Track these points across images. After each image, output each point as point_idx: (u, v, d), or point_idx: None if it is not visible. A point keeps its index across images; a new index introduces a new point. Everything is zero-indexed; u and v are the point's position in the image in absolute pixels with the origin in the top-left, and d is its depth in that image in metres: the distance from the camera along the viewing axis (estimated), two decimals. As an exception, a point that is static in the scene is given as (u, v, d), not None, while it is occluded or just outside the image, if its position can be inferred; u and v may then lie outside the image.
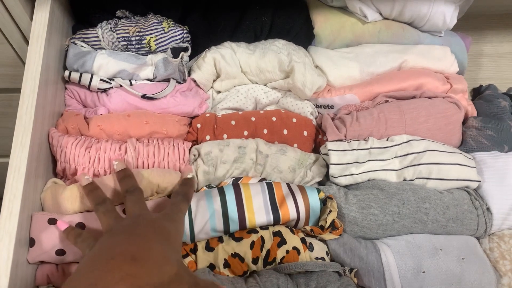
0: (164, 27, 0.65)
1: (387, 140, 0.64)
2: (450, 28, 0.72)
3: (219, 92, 0.72)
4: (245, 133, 0.66)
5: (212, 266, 0.57)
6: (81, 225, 0.55)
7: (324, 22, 0.71)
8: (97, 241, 0.46)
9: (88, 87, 0.65)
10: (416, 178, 0.62)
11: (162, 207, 0.57)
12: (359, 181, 0.62)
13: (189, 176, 0.58)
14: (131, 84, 0.66)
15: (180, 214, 0.51)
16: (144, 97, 0.64)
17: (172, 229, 0.46)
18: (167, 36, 0.66)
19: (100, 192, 0.53)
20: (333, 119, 0.67)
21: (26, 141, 0.54)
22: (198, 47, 0.70)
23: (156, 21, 0.65)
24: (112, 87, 0.65)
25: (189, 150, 0.64)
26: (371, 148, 0.62)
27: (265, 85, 0.72)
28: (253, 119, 0.67)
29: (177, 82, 0.68)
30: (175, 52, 0.66)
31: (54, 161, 0.62)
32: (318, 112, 0.71)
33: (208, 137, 0.65)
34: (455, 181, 0.61)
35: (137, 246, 0.40)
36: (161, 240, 0.42)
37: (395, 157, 0.62)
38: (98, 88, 0.65)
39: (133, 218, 0.47)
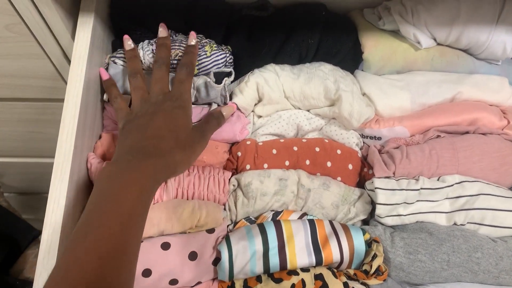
0: (207, 51, 0.63)
1: (438, 179, 0.60)
2: (510, 57, 0.68)
3: (260, 116, 0.69)
4: (287, 163, 0.64)
5: (249, 306, 0.55)
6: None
7: (374, 47, 0.67)
8: (125, 119, 0.57)
9: (128, 109, 0.63)
10: (467, 222, 0.58)
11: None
12: (407, 222, 0.59)
13: (192, 43, 0.62)
14: (171, 107, 0.64)
15: (186, 94, 0.58)
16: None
17: (180, 116, 0.56)
18: (209, 60, 0.63)
19: (136, 62, 0.61)
20: (380, 151, 0.64)
21: (66, 172, 0.53)
22: (241, 68, 0.67)
23: (199, 45, 0.63)
24: (152, 110, 0.63)
25: (229, 180, 0.62)
26: (421, 188, 0.59)
27: (308, 111, 0.69)
28: (295, 148, 0.64)
29: (218, 105, 0.65)
30: (218, 76, 0.63)
31: (91, 184, 0.61)
32: (364, 143, 0.67)
33: (248, 166, 0.63)
34: (510, 229, 0.58)
35: (155, 139, 0.52)
36: (171, 130, 0.54)
37: (446, 198, 0.59)
38: (138, 111, 0.63)
39: (152, 105, 0.56)
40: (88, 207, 0.46)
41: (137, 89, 0.59)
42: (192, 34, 0.63)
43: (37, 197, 1.38)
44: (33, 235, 1.13)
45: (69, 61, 0.69)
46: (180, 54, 0.63)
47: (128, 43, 0.63)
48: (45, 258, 0.50)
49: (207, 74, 0.65)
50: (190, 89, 0.60)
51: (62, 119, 0.55)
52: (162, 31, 0.63)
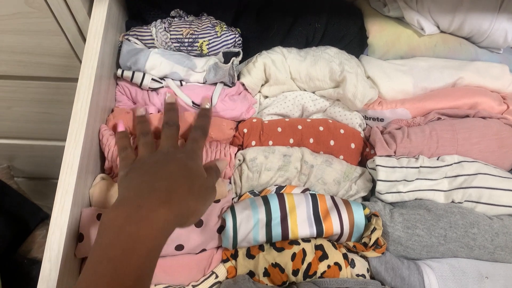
0: (217, 31, 0.65)
1: (437, 159, 0.62)
2: (511, 46, 0.70)
3: (266, 97, 0.71)
4: (291, 141, 0.66)
5: (251, 273, 0.57)
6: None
7: (379, 32, 0.69)
8: (129, 167, 0.54)
9: (140, 85, 0.66)
10: (465, 201, 0.60)
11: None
12: (406, 199, 0.61)
13: (206, 106, 0.63)
14: (181, 84, 0.66)
15: (199, 151, 0.57)
16: (194, 105, 0.64)
17: (194, 166, 0.53)
18: (219, 40, 0.66)
19: (147, 125, 0.61)
20: (382, 132, 0.66)
21: (79, 138, 0.56)
22: (249, 50, 0.70)
23: (209, 25, 0.65)
24: (163, 87, 0.66)
25: (235, 154, 0.64)
26: (421, 166, 0.61)
27: (314, 92, 0.71)
28: (299, 127, 0.66)
29: (226, 85, 0.67)
30: (227, 56, 0.66)
31: (103, 156, 0.64)
32: (367, 124, 0.69)
33: (253, 143, 0.65)
34: (506, 208, 0.59)
35: (168, 181, 0.49)
36: (186, 177, 0.50)
37: (445, 177, 0.61)
38: (149, 87, 0.65)
39: (163, 155, 0.54)
40: (94, 258, 0.42)
41: (147, 145, 0.57)
42: (206, 97, 0.64)
43: (46, 183, 1.41)
44: (42, 217, 1.15)
45: (84, 39, 0.72)
46: (191, 32, 0.65)
47: (140, 110, 0.63)
48: (58, 217, 0.52)
49: (216, 54, 0.67)
50: (203, 148, 0.59)
51: (77, 88, 0.58)
52: (170, 97, 0.63)
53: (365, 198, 0.65)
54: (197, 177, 0.52)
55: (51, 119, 1.00)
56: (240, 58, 0.67)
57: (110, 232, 0.43)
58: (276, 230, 0.57)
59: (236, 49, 0.67)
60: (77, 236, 0.55)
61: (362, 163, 0.67)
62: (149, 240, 0.43)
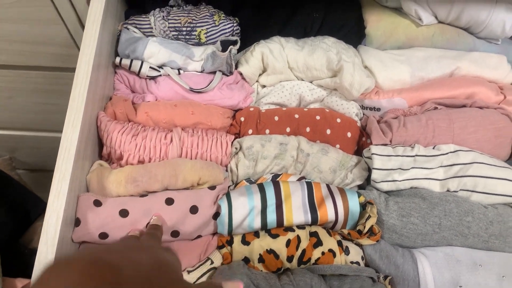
0: (215, 20, 0.66)
1: (433, 148, 0.62)
2: (508, 37, 0.70)
3: (264, 86, 0.72)
4: (288, 129, 0.66)
5: (246, 260, 0.58)
6: (124, 211, 0.56)
7: (376, 22, 0.69)
8: None
9: (138, 74, 0.66)
10: (460, 190, 0.60)
11: None
12: (401, 188, 0.61)
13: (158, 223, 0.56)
14: (179, 73, 0.67)
15: (175, 255, 0.44)
16: (192, 90, 0.65)
17: (170, 258, 0.41)
18: (217, 29, 0.66)
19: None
20: (378, 122, 0.66)
21: (77, 122, 0.56)
22: (247, 39, 0.70)
23: (208, 14, 0.66)
24: (160, 75, 0.66)
25: (232, 143, 0.64)
26: (416, 155, 0.61)
27: (311, 82, 0.71)
28: (296, 116, 0.66)
29: (224, 74, 0.68)
30: (225, 44, 0.66)
31: (101, 143, 0.64)
32: (363, 114, 0.70)
33: (250, 131, 0.66)
34: (501, 197, 0.59)
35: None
36: (149, 272, 0.36)
37: (440, 166, 0.61)
38: (147, 75, 0.66)
39: (130, 240, 0.49)
40: None
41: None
42: (159, 217, 0.56)
43: (47, 175, 1.40)
44: (43, 208, 1.16)
45: (83, 27, 0.72)
46: (189, 21, 0.65)
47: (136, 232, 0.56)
48: (54, 202, 0.53)
49: (214, 43, 0.67)
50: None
51: (75, 74, 0.58)
52: (156, 220, 0.56)
53: (360, 187, 0.65)
54: (171, 271, 0.38)
55: (51, 109, 1.00)
56: (237, 46, 0.68)
57: None
58: (271, 217, 0.57)
59: (234, 38, 0.67)
60: (74, 221, 0.56)
61: (358, 152, 0.68)
62: None
